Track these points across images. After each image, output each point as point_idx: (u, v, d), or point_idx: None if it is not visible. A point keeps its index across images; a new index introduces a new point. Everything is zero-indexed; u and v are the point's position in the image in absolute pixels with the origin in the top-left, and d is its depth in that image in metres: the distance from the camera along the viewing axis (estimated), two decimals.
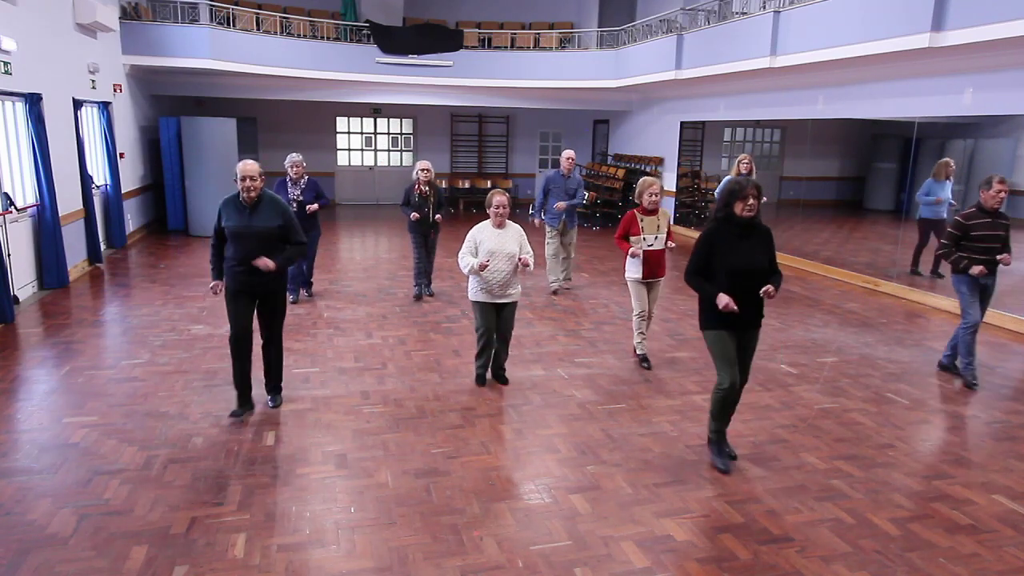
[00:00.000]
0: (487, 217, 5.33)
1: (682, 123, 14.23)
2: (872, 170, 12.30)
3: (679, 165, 14.33)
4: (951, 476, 4.24)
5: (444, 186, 17.60)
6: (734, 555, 3.39)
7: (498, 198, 5.22)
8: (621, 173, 15.23)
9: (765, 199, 4.05)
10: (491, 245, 5.19)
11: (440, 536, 3.47)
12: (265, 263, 4.50)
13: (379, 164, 18.23)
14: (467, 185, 17.73)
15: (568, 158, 8.33)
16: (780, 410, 5.19)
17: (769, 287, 3.98)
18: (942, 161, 8.00)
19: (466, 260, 5.20)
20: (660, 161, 14.76)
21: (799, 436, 4.75)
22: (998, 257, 5.54)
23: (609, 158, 17.07)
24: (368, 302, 8.05)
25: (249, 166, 4.55)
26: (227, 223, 4.60)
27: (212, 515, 3.60)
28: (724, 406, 4.24)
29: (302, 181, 7.52)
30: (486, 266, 5.10)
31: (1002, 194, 5.39)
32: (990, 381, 5.92)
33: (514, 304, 5.44)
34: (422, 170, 7.77)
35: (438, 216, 7.91)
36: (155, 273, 9.33)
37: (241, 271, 4.59)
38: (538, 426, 4.81)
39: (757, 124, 13.93)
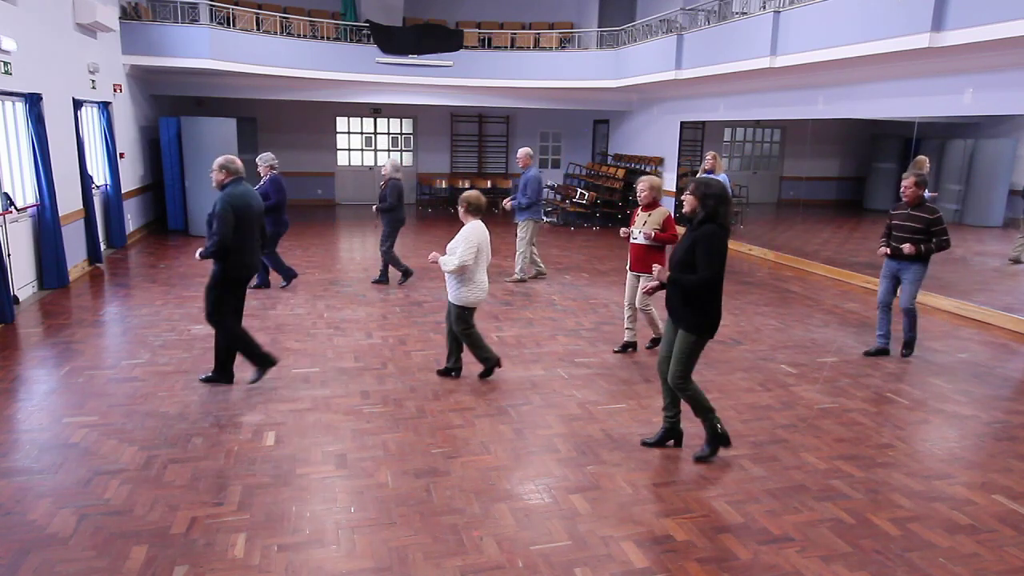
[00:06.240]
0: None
1: (682, 123, 14.22)
2: (872, 170, 12.30)
3: (679, 165, 14.33)
4: (951, 476, 4.24)
5: (444, 186, 17.75)
6: (734, 555, 3.38)
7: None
8: (621, 173, 15.23)
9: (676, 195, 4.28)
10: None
11: (440, 536, 3.47)
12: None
13: (379, 164, 18.23)
14: (467, 185, 17.72)
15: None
16: (780, 410, 5.20)
17: (657, 265, 4.25)
18: (918, 158, 8.15)
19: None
20: (660, 161, 14.75)
21: (799, 436, 4.75)
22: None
23: (609, 158, 17.06)
24: (368, 302, 8.05)
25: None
26: None
27: (212, 515, 3.60)
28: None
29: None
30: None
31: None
32: (990, 381, 5.92)
33: None
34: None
35: (374, 207, 8.82)
36: (155, 273, 9.33)
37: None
38: (538, 426, 4.81)
39: (757, 124, 13.93)
